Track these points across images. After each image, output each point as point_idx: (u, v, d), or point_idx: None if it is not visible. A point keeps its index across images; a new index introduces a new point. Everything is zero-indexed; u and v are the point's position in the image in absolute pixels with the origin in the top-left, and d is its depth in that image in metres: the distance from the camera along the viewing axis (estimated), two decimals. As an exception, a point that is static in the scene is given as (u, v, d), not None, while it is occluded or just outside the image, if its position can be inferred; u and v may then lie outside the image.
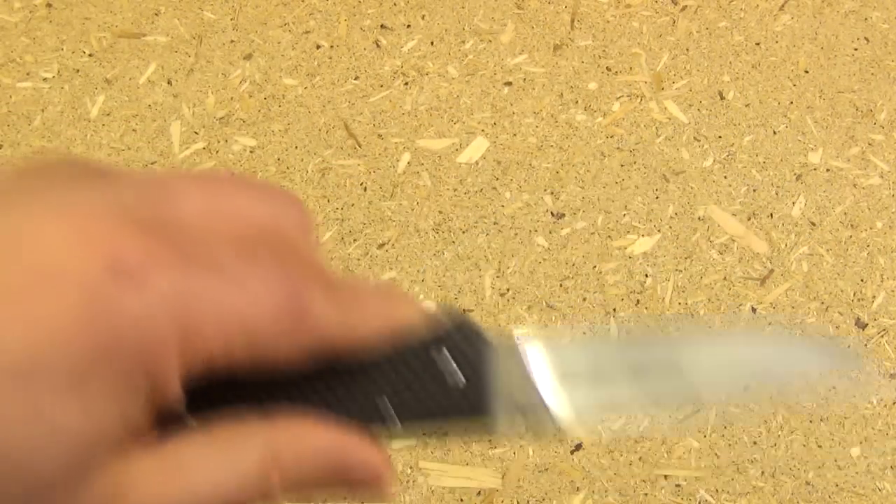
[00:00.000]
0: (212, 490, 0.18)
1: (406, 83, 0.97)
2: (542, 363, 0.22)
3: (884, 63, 0.99)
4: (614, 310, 0.83)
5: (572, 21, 1.02)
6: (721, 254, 0.86)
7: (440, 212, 0.88)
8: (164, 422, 0.18)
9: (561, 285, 0.84)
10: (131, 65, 0.99)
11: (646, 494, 0.74)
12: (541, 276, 0.84)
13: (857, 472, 0.76)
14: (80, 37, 1.01)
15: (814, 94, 0.97)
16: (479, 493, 0.74)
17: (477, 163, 0.92)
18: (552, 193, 0.89)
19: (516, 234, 0.87)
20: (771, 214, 0.88)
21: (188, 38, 1.01)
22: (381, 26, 1.02)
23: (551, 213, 0.88)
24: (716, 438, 0.77)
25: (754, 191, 0.90)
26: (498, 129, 0.94)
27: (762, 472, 0.75)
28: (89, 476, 0.17)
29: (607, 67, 0.99)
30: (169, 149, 0.93)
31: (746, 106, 0.96)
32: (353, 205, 0.89)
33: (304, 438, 0.20)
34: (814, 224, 0.88)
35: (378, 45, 1.00)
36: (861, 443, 0.77)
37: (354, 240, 0.86)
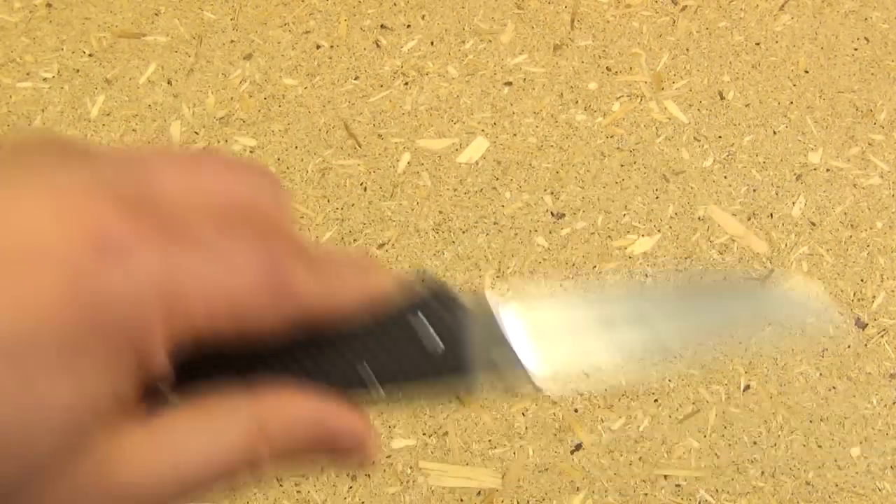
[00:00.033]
0: (201, 462, 0.19)
1: (406, 83, 0.97)
2: (516, 323, 0.23)
3: (884, 63, 0.99)
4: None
5: (572, 21, 1.02)
6: (721, 254, 0.86)
7: (440, 212, 0.88)
8: (152, 396, 0.19)
9: (561, 285, 0.84)
10: (131, 65, 0.99)
11: (646, 494, 0.74)
12: (541, 276, 0.84)
13: (857, 472, 0.76)
14: (80, 37, 1.01)
15: (814, 94, 0.97)
16: (479, 493, 0.74)
17: (477, 163, 0.92)
18: (552, 193, 0.89)
19: (516, 234, 0.87)
20: (771, 214, 0.88)
21: (188, 38, 1.01)
22: (381, 26, 1.02)
23: (551, 213, 0.88)
24: (716, 438, 0.77)
25: (754, 191, 0.90)
26: (498, 129, 0.94)
27: (762, 472, 0.75)
28: (81, 451, 0.17)
29: (607, 67, 0.99)
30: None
31: (746, 106, 0.96)
32: (353, 205, 0.89)
33: (289, 408, 0.20)
34: (814, 224, 0.88)
35: (378, 45, 1.00)
36: (861, 443, 0.77)
37: (354, 240, 0.86)
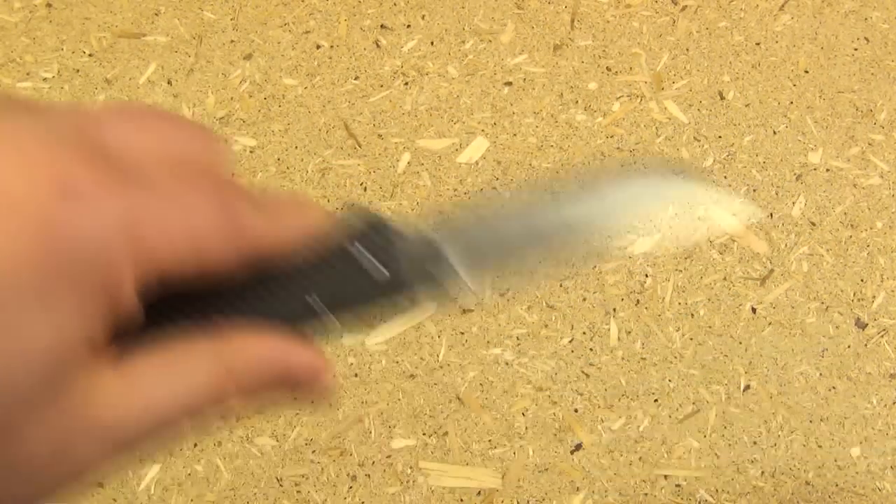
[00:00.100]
0: (171, 404, 0.20)
1: (406, 83, 0.97)
2: (451, 243, 0.26)
3: (884, 63, 0.99)
4: (614, 309, 0.83)
5: (572, 21, 1.02)
6: (721, 254, 0.86)
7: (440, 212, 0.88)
8: (120, 339, 0.20)
9: (561, 285, 0.84)
10: (131, 65, 0.99)
11: (646, 494, 0.74)
12: (541, 276, 0.84)
13: (857, 472, 0.76)
14: (80, 37, 1.01)
15: (814, 94, 0.97)
16: (479, 493, 0.74)
17: (477, 163, 0.92)
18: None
19: (516, 234, 0.87)
20: (771, 214, 0.88)
21: (188, 38, 1.01)
22: (381, 26, 1.02)
23: (551, 213, 0.88)
24: (716, 438, 0.77)
25: (754, 191, 0.90)
26: (498, 129, 0.94)
27: (762, 472, 0.75)
28: (61, 392, 0.18)
29: (607, 67, 0.99)
30: (169, 149, 0.93)
31: (746, 106, 0.96)
32: (353, 205, 0.89)
33: (252, 349, 0.22)
34: (814, 224, 0.88)
35: (378, 45, 1.00)
36: (861, 443, 0.77)
37: (354, 240, 0.86)
